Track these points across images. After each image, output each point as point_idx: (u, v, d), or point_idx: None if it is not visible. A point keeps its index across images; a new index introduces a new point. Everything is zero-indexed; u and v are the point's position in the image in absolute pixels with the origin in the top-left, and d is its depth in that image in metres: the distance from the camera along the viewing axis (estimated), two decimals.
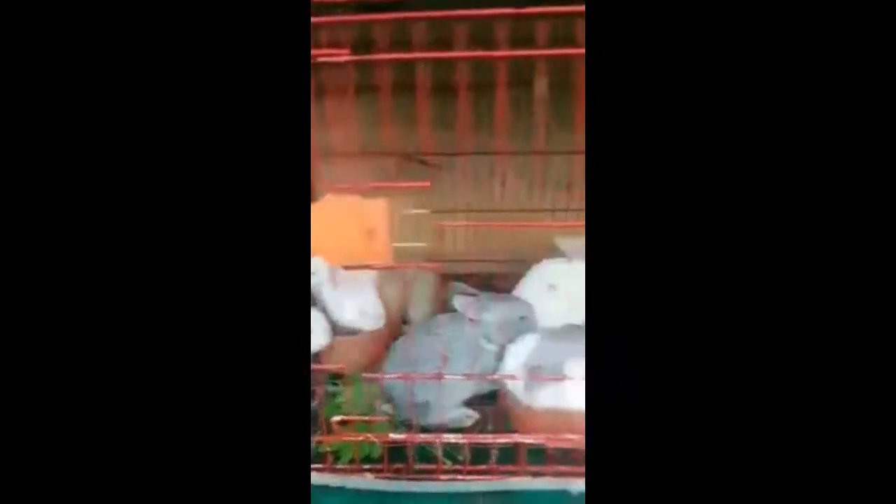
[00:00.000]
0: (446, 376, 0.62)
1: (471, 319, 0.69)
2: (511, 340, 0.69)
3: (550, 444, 0.62)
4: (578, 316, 0.84)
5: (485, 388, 0.70)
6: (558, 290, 0.83)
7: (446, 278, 0.96)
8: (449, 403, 0.67)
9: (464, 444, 0.62)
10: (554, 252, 0.89)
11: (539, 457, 0.62)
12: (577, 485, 0.62)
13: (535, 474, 0.62)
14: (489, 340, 0.70)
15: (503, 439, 0.62)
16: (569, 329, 0.70)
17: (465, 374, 0.62)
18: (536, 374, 0.64)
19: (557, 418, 0.64)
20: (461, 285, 0.76)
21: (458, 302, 0.70)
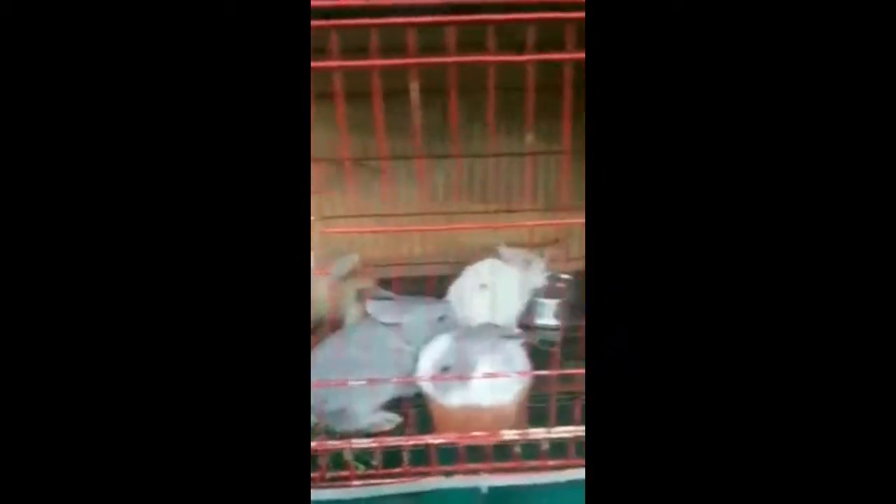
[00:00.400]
0: (351, 382, 0.63)
1: (384, 323, 0.69)
2: (430, 342, 0.69)
3: (461, 443, 0.63)
4: (507, 313, 0.85)
5: (410, 390, 0.70)
6: (489, 289, 0.84)
7: (383, 283, 0.97)
8: (367, 408, 0.67)
9: (375, 448, 0.62)
10: (490, 253, 0.90)
11: (453, 455, 0.63)
12: (487, 481, 0.62)
13: (448, 474, 0.62)
14: (408, 343, 0.70)
15: (413, 441, 0.63)
16: (483, 328, 0.70)
17: (368, 380, 0.63)
18: (446, 374, 0.64)
19: (471, 417, 0.64)
20: (376, 290, 0.77)
21: (372, 306, 0.71)
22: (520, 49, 0.50)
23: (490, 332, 0.68)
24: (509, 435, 0.62)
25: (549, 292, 0.92)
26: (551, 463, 0.63)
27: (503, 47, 0.49)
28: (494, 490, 0.62)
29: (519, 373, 0.63)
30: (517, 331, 0.79)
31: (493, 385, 0.64)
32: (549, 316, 0.93)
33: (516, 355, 0.67)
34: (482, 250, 0.92)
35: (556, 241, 1.06)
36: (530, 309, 0.91)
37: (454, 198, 1.02)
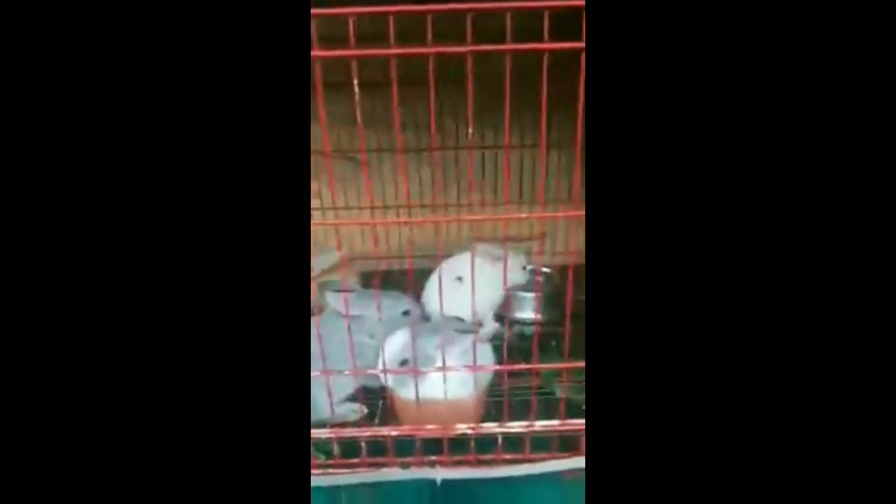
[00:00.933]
0: (313, 373, 0.64)
1: (343, 316, 0.70)
2: (392, 336, 0.70)
3: (416, 436, 0.64)
4: (483, 306, 0.86)
5: (375, 382, 0.72)
6: (465, 281, 0.84)
7: (364, 277, 0.98)
8: (333, 399, 0.69)
9: (332, 438, 0.64)
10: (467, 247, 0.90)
11: (411, 448, 0.64)
12: (441, 473, 0.63)
13: (404, 465, 0.64)
14: (371, 336, 0.72)
15: (370, 433, 0.64)
16: (445, 322, 0.71)
17: (323, 371, 0.64)
18: (405, 367, 0.65)
19: (429, 410, 0.65)
20: (336, 282, 0.78)
21: (331, 298, 0.72)
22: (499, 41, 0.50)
23: (450, 326, 0.69)
24: (462, 428, 0.63)
25: (529, 287, 0.93)
26: (506, 457, 0.64)
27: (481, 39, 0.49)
28: (448, 482, 0.63)
29: (468, 367, 0.63)
30: (478, 325, 0.80)
31: (452, 379, 0.64)
32: (527, 309, 0.94)
33: (476, 349, 0.67)
34: (463, 244, 0.93)
35: (544, 234, 1.06)
36: (510, 303, 0.92)
37: (436, 191, 1.03)
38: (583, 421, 0.65)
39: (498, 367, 0.67)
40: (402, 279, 0.89)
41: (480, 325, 0.86)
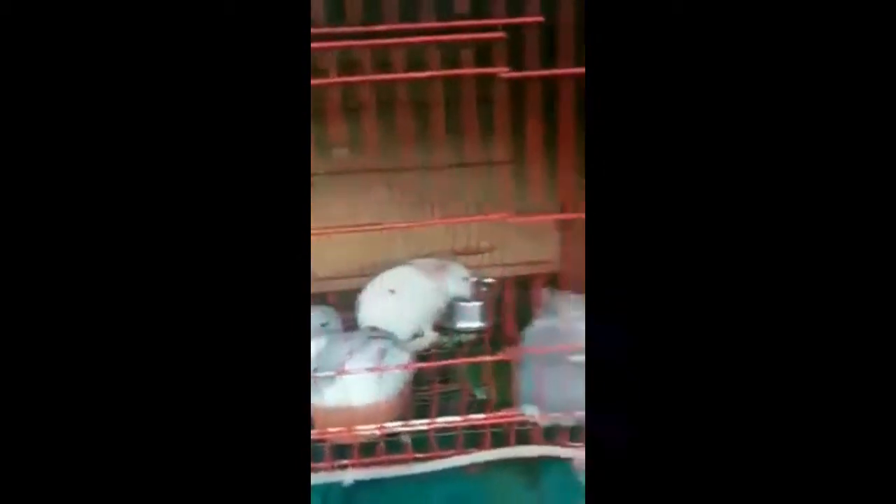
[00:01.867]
0: None
1: None
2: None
3: (327, 440, 0.66)
4: (413, 316, 0.88)
5: None
6: (397, 293, 0.87)
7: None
8: None
9: None
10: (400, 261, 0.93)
11: (319, 452, 0.66)
12: (351, 475, 0.65)
13: (315, 470, 0.65)
14: None
15: None
16: (359, 332, 0.73)
17: None
18: (315, 374, 0.68)
19: (343, 414, 0.67)
20: None
21: None
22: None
23: (361, 334, 0.71)
24: (367, 431, 0.65)
25: (472, 296, 0.94)
26: (417, 456, 0.65)
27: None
28: (358, 483, 0.64)
29: (371, 369, 0.66)
30: (415, 335, 0.82)
31: (360, 384, 0.67)
32: (470, 318, 0.95)
33: (385, 355, 0.70)
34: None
35: (491, 248, 1.07)
36: (450, 312, 0.93)
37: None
38: (483, 416, 0.66)
39: (400, 366, 0.69)
40: (339, 296, 0.91)
41: (419, 335, 0.88)
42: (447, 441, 0.66)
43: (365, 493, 0.64)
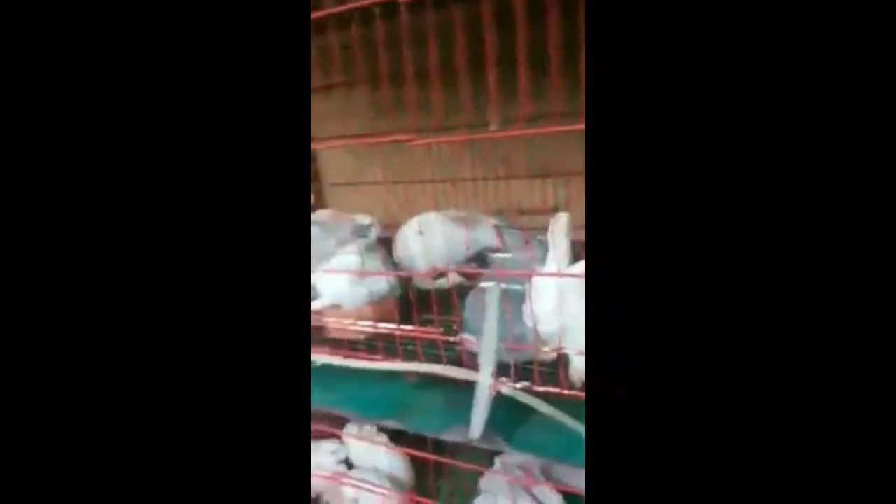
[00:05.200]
0: None
1: None
2: None
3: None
4: (435, 257, 0.98)
5: None
6: (424, 234, 0.99)
7: None
8: None
9: None
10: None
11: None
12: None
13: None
14: None
15: None
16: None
17: None
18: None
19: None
20: None
21: None
22: None
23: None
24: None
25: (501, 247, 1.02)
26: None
27: None
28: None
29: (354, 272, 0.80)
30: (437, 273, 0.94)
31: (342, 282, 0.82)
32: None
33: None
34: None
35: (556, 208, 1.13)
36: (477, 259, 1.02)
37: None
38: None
39: (382, 272, 0.82)
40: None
41: (442, 274, 0.99)
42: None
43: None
